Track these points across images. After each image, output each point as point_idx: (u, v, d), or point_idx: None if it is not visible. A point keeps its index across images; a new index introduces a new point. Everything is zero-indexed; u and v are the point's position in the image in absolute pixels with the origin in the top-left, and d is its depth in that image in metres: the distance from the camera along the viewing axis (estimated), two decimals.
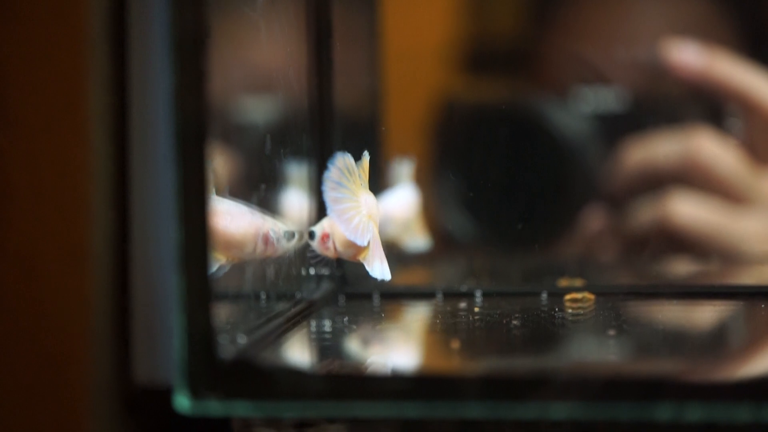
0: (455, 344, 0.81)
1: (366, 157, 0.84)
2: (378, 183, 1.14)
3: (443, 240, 1.28)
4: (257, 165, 0.89)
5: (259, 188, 0.89)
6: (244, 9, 0.84)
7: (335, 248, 0.85)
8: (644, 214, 1.24)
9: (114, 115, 0.73)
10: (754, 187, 1.22)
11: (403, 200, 1.14)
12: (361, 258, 0.85)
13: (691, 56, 1.23)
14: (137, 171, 0.74)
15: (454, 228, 1.28)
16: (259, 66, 0.91)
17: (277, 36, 0.93)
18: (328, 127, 1.03)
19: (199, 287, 0.69)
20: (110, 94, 0.73)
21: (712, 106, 1.25)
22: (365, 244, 0.83)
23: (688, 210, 1.21)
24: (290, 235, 0.86)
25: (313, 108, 1.02)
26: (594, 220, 1.26)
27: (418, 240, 1.17)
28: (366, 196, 0.83)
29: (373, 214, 0.84)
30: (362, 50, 1.23)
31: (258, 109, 0.92)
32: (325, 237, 0.85)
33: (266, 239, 0.83)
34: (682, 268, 1.23)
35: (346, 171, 0.82)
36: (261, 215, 0.84)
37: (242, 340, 0.76)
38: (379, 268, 0.84)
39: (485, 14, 1.39)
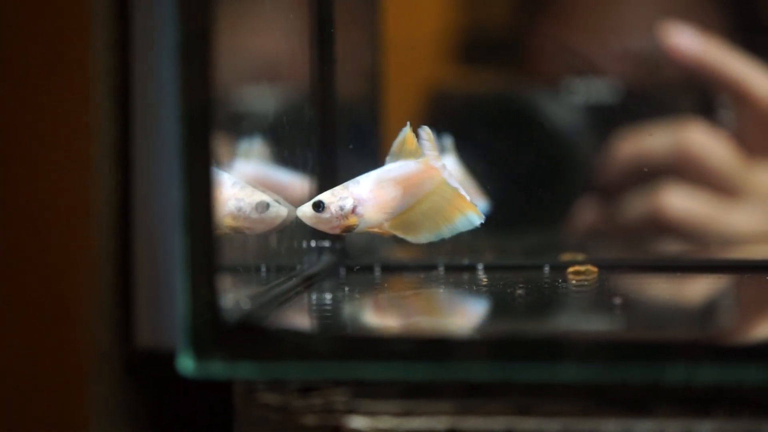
0: (461, 309, 0.80)
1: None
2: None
3: None
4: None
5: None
6: None
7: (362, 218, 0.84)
8: (636, 206, 1.24)
9: (117, 73, 0.72)
10: (745, 179, 1.22)
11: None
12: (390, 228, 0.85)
13: (687, 40, 1.23)
14: (140, 131, 0.73)
15: None
16: (263, 49, 0.90)
17: (281, 24, 0.92)
18: (330, 115, 1.02)
19: (204, 248, 0.68)
20: (113, 53, 0.72)
21: (704, 97, 1.25)
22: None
23: (679, 202, 1.21)
24: (262, 207, 0.83)
25: (315, 95, 1.01)
26: (587, 212, 1.26)
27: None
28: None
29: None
30: (363, 40, 1.23)
31: (261, 94, 0.91)
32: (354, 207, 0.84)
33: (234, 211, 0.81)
34: (675, 248, 1.23)
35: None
36: (242, 187, 0.81)
37: (246, 305, 0.75)
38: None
39: (479, 5, 1.39)
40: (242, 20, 0.82)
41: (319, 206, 0.84)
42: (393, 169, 0.85)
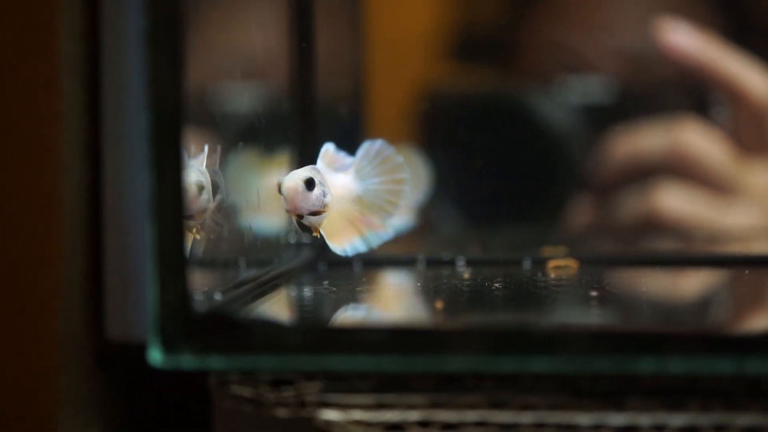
0: (438, 304, 0.79)
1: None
2: None
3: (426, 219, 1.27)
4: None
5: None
6: None
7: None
8: (631, 206, 1.23)
9: (86, 61, 0.72)
10: (740, 178, 1.22)
11: None
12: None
13: (683, 38, 1.22)
14: (109, 119, 0.72)
15: (438, 215, 1.27)
16: (238, 42, 0.90)
17: (260, 20, 0.92)
18: (311, 114, 1.02)
19: (173, 239, 0.68)
20: (82, 41, 0.71)
21: (699, 95, 1.25)
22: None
23: (674, 202, 1.21)
24: (198, 188, 0.77)
25: (295, 95, 1.01)
26: (582, 211, 1.25)
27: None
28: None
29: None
30: (346, 37, 1.22)
31: (241, 93, 0.90)
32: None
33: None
34: (666, 244, 1.23)
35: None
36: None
37: (217, 297, 0.74)
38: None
39: (471, 2, 1.39)
40: (215, 10, 0.81)
41: (311, 184, 0.79)
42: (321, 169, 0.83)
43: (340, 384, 0.71)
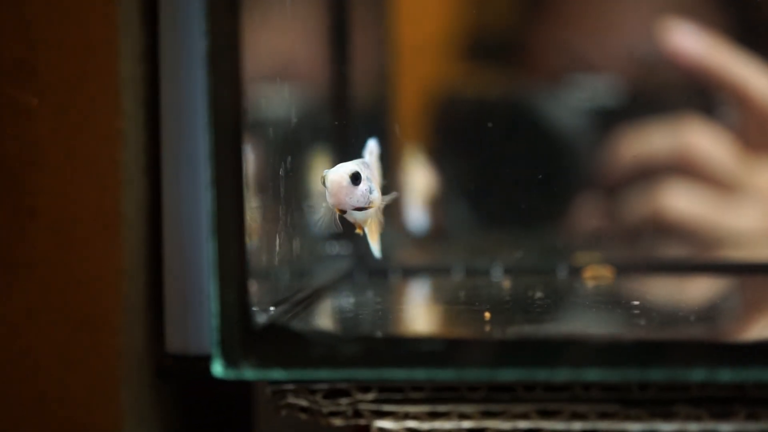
0: (487, 314, 0.81)
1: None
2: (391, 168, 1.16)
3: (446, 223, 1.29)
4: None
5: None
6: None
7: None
8: (638, 207, 1.24)
9: (146, 81, 0.73)
10: (746, 178, 1.22)
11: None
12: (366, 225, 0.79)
13: (689, 42, 1.22)
14: (169, 137, 0.74)
15: (454, 216, 1.28)
16: (286, 54, 0.91)
17: (302, 27, 0.93)
18: (345, 116, 1.03)
19: (234, 254, 0.70)
20: (142, 62, 0.73)
21: (705, 94, 1.25)
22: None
23: (681, 204, 1.21)
24: (352, 177, 0.75)
25: (331, 97, 1.03)
26: (589, 213, 1.26)
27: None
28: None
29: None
30: (375, 41, 1.24)
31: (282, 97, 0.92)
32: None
33: None
34: (683, 249, 1.24)
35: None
36: None
37: (272, 310, 0.76)
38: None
39: (484, 5, 1.40)
40: (266, 27, 0.83)
41: (357, 178, 0.75)
42: (370, 165, 0.80)
43: (395, 394, 0.73)
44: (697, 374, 0.67)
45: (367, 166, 0.77)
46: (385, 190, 0.80)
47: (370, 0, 1.23)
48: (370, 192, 0.76)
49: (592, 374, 0.68)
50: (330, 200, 0.76)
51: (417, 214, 1.20)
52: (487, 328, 0.77)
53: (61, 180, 0.71)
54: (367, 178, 0.76)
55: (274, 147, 0.86)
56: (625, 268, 1.04)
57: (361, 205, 0.76)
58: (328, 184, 0.75)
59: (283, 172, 0.87)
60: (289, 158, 0.88)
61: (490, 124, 1.25)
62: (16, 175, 0.70)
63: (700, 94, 1.24)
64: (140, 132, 0.73)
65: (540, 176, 1.20)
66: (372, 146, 0.82)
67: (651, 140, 1.23)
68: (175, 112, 0.74)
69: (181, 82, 0.74)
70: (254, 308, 0.72)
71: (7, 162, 0.70)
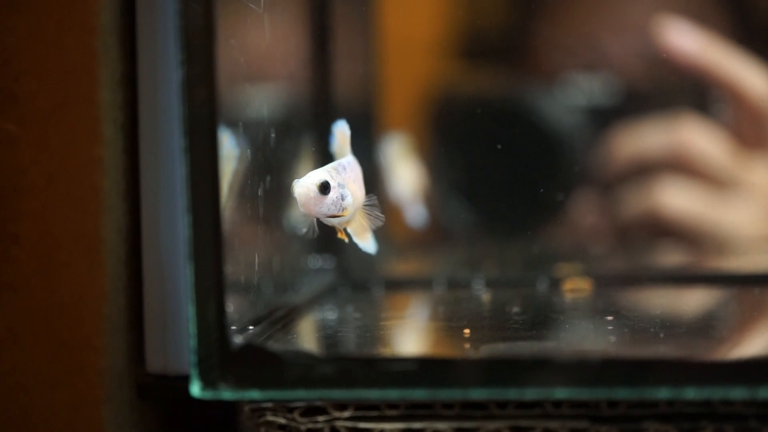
0: (465, 331, 0.82)
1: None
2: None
3: (440, 229, 1.30)
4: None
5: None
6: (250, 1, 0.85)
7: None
8: (633, 205, 1.24)
9: (125, 108, 0.75)
10: (741, 176, 1.23)
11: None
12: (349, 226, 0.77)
13: (685, 40, 1.22)
14: (147, 163, 0.75)
15: (449, 217, 1.29)
16: (266, 56, 0.92)
17: (281, 27, 0.94)
18: (328, 116, 1.04)
19: (211, 277, 0.71)
20: (121, 88, 0.75)
21: (700, 92, 1.25)
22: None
23: (676, 201, 1.22)
24: (320, 188, 0.74)
25: (314, 98, 1.04)
26: (585, 211, 1.26)
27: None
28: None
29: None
30: (360, 40, 1.24)
31: (262, 99, 0.93)
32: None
33: None
34: (673, 257, 1.25)
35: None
36: None
37: (251, 329, 0.78)
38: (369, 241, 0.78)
39: (479, 3, 1.40)
40: (244, 51, 0.84)
41: (326, 188, 0.74)
42: (350, 164, 0.77)
43: (370, 411, 0.75)
44: (663, 392, 0.69)
45: (342, 169, 0.76)
46: (368, 187, 0.79)
47: None
48: (343, 199, 0.74)
49: (560, 393, 0.70)
50: (301, 210, 0.75)
51: (414, 208, 1.21)
52: (466, 345, 0.79)
53: (43, 206, 0.72)
54: (339, 185, 0.74)
55: (254, 161, 0.88)
56: (606, 279, 1.05)
57: (333, 213, 0.74)
58: (296, 195, 0.74)
59: (263, 188, 0.88)
60: (270, 172, 0.89)
61: (483, 125, 1.26)
62: None
63: (696, 92, 1.24)
64: (119, 158, 0.75)
65: (541, 190, 1.21)
66: (342, 128, 0.79)
67: (646, 138, 1.23)
68: (153, 138, 0.75)
69: (159, 108, 0.75)
70: (233, 328, 0.73)
71: None
